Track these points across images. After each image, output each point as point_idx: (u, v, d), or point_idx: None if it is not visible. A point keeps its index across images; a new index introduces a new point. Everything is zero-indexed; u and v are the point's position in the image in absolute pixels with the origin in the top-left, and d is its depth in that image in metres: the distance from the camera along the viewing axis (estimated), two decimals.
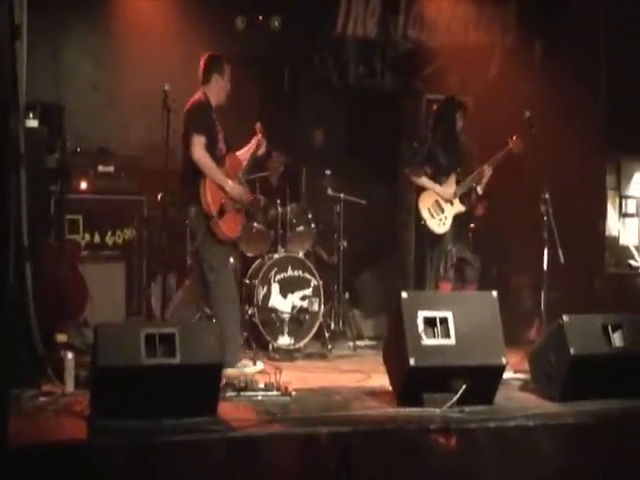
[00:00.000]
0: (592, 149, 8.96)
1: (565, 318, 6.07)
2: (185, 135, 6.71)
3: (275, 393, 5.88)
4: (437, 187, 7.78)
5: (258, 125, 7.24)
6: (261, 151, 7.22)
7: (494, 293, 6.07)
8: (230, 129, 9.03)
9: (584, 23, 9.56)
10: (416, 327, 5.77)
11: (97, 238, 8.11)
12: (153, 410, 5.14)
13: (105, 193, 8.11)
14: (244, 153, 7.13)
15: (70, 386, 5.76)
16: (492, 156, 7.71)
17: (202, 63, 6.95)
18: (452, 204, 7.74)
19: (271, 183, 8.60)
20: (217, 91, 6.91)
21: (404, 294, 5.87)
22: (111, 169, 8.21)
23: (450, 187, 7.76)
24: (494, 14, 10.28)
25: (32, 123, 6.35)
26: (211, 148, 6.70)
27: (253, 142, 7.16)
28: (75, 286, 7.16)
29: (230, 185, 6.67)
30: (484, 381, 5.79)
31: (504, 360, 5.86)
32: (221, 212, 6.61)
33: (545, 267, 7.09)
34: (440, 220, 7.70)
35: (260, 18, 9.60)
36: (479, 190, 7.74)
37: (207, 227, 6.62)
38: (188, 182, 6.73)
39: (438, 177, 7.83)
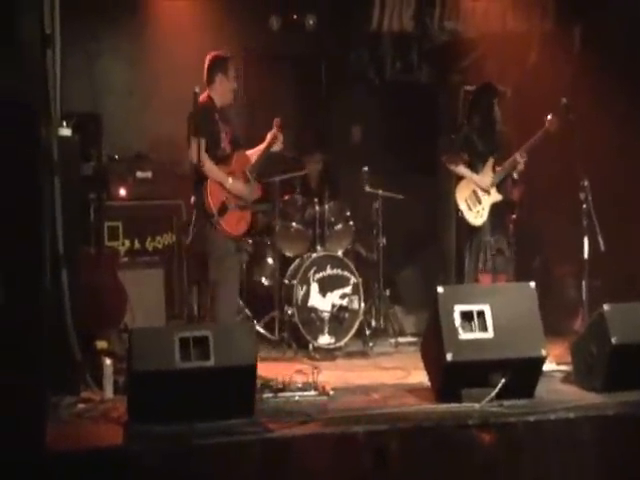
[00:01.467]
0: (632, 135, 8.79)
1: (606, 307, 5.96)
2: (188, 138, 6.76)
3: (313, 393, 5.84)
4: (474, 176, 7.68)
5: (277, 120, 7.20)
6: (277, 147, 7.19)
7: (532, 284, 5.97)
8: (268, 128, 9.12)
9: (624, 7, 9.39)
10: (453, 321, 5.70)
11: (137, 244, 8.18)
12: (190, 413, 5.13)
13: (144, 199, 8.16)
14: (257, 150, 7.14)
15: (109, 392, 5.79)
16: (528, 140, 7.61)
17: (206, 63, 6.95)
18: (489, 193, 7.64)
19: (309, 182, 8.58)
20: (222, 92, 6.92)
21: (440, 289, 5.81)
22: (149, 175, 8.28)
23: (487, 175, 7.66)
24: (532, 0, 10.14)
25: (65, 132, 6.35)
26: (213, 149, 6.75)
27: (269, 137, 7.15)
28: (114, 293, 7.19)
29: (230, 182, 6.74)
30: (524, 374, 5.70)
31: (544, 352, 5.76)
32: (222, 210, 6.68)
33: (586, 255, 6.98)
34: (477, 212, 7.61)
35: (295, 17, 9.60)
36: (515, 175, 7.65)
37: (209, 225, 6.69)
38: (195, 184, 6.78)
39: (475, 164, 7.74)
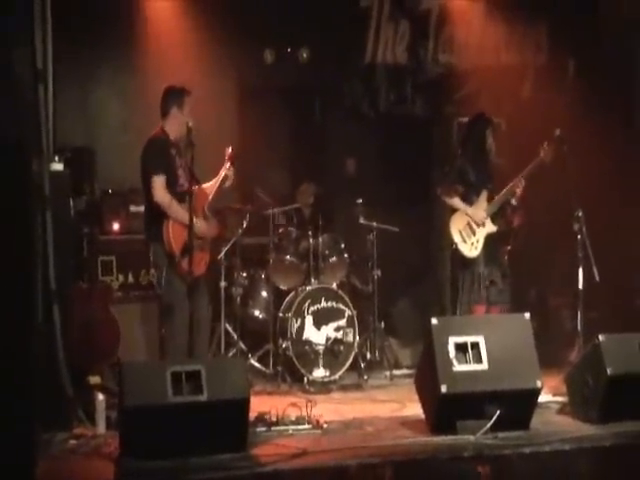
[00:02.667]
0: (626, 166, 8.82)
1: (601, 338, 5.96)
2: (143, 175, 6.64)
3: (306, 426, 5.81)
4: (468, 209, 7.68)
5: (228, 150, 7.01)
6: (229, 183, 6.99)
7: (527, 315, 5.97)
8: (262, 161, 9.13)
9: (616, 39, 9.45)
10: (447, 353, 5.70)
11: (131, 278, 8.11)
12: (183, 448, 5.12)
13: (137, 233, 8.12)
14: (212, 185, 6.92)
15: (101, 428, 5.76)
16: (523, 168, 7.62)
17: (162, 95, 6.85)
18: (484, 225, 7.63)
19: (303, 214, 8.57)
20: (177, 125, 6.71)
21: (434, 320, 5.81)
22: (142, 209, 8.26)
23: (481, 207, 7.65)
24: (525, 34, 10.21)
25: (57, 166, 6.35)
26: (171, 185, 6.60)
27: (221, 172, 6.94)
28: (107, 327, 7.14)
29: (196, 224, 6.44)
30: (519, 405, 5.69)
31: (539, 383, 5.74)
32: (184, 251, 6.39)
33: (580, 286, 6.97)
34: (472, 244, 7.59)
35: (289, 50, 9.64)
36: (513, 202, 7.64)
37: (169, 265, 6.52)
38: (151, 220, 6.67)
39: (469, 195, 7.73)
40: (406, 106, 10.21)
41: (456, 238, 7.63)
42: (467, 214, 7.67)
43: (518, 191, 7.58)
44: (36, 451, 5.04)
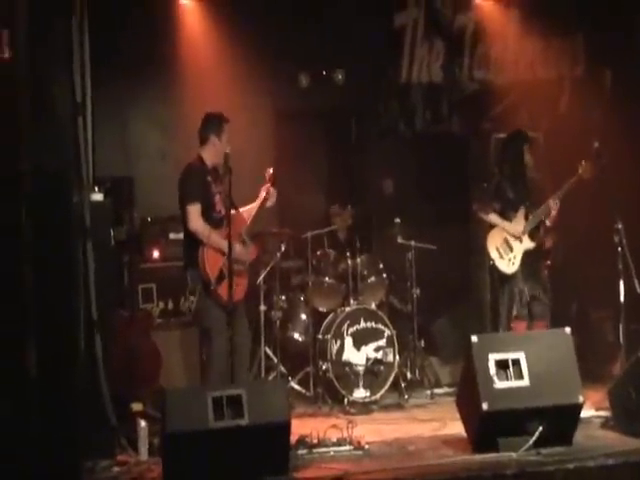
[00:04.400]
0: None
1: None
2: (180, 203, 6.68)
3: (348, 448, 5.80)
4: (506, 224, 7.67)
5: (269, 171, 7.00)
6: (271, 202, 6.98)
7: (567, 329, 5.91)
8: (299, 184, 9.16)
9: None
10: (488, 370, 5.66)
11: (171, 305, 8.17)
12: (224, 473, 5.14)
13: (177, 260, 8.18)
14: (251, 208, 6.93)
15: (144, 454, 5.79)
16: (561, 185, 7.59)
17: (201, 122, 6.88)
18: (521, 241, 7.60)
19: (338, 237, 8.59)
20: (214, 152, 6.75)
21: (474, 338, 5.78)
22: (181, 236, 8.32)
23: (519, 223, 7.64)
24: (561, 47, 10.18)
25: (97, 197, 6.42)
26: (207, 212, 6.63)
27: (262, 193, 6.95)
28: (148, 355, 7.21)
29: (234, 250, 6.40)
30: (561, 421, 5.63)
31: (581, 398, 5.67)
32: (220, 278, 6.43)
33: (622, 299, 6.92)
34: (509, 260, 7.57)
35: (324, 72, 9.70)
36: (547, 222, 7.61)
37: (206, 292, 6.55)
38: (188, 247, 6.70)
39: (507, 212, 7.72)
40: (443, 124, 10.23)
41: (493, 254, 7.62)
42: (504, 230, 7.65)
43: (553, 212, 7.54)
44: (79, 478, 5.09)
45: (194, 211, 6.58)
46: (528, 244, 7.60)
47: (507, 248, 7.61)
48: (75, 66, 5.95)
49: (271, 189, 6.95)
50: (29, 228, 4.87)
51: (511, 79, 10.08)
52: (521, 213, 7.68)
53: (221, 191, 6.70)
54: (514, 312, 7.52)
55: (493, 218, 7.71)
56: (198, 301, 6.67)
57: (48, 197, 5.18)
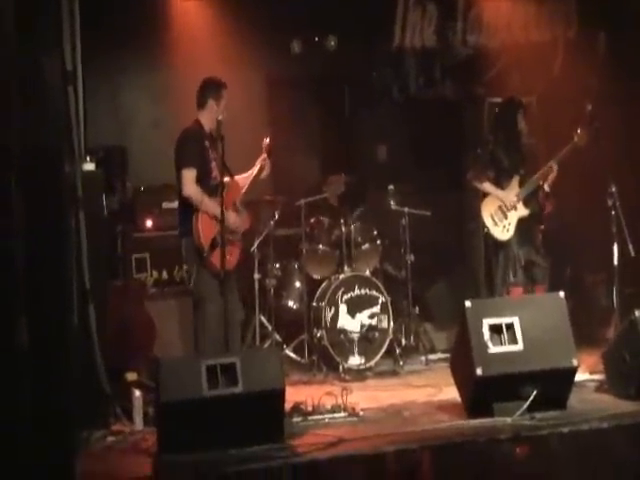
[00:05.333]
0: None
1: (638, 313, 5.93)
2: (176, 168, 6.64)
3: (342, 414, 5.81)
4: (499, 192, 7.65)
5: (266, 141, 6.98)
6: (265, 173, 6.97)
7: (561, 294, 5.90)
8: (292, 151, 9.12)
9: None
10: (482, 335, 5.65)
11: (165, 275, 8.15)
12: (219, 441, 5.12)
13: (170, 229, 8.16)
14: (246, 177, 6.92)
15: (139, 424, 5.79)
16: (556, 152, 7.56)
17: (199, 86, 6.84)
18: (516, 208, 7.59)
19: (333, 203, 8.58)
20: (212, 118, 6.68)
21: (467, 303, 5.76)
22: (175, 205, 8.29)
23: (513, 191, 7.62)
24: (555, 9, 10.11)
25: (89, 166, 6.40)
26: (203, 178, 6.58)
27: (258, 163, 6.93)
28: (142, 324, 7.20)
29: (227, 217, 6.40)
30: (556, 385, 5.63)
31: (575, 362, 5.67)
32: (213, 246, 6.41)
33: (616, 262, 6.92)
34: (504, 227, 7.57)
35: (316, 39, 9.63)
36: (546, 188, 7.58)
37: (199, 260, 6.52)
38: (182, 215, 6.69)
39: (501, 180, 7.70)
40: (436, 89, 10.18)
41: (487, 222, 7.61)
42: (498, 198, 7.63)
43: (550, 177, 7.53)
44: (74, 448, 5.09)
45: (189, 176, 6.54)
46: (523, 211, 7.59)
47: (501, 215, 7.61)
48: (65, 34, 5.90)
49: (266, 162, 6.92)
50: (20, 199, 4.83)
51: (504, 43, 10.03)
52: (515, 181, 7.67)
53: (217, 157, 6.62)
54: (510, 278, 7.52)
55: (487, 187, 7.70)
56: (191, 270, 6.65)
57: (39, 167, 5.12)
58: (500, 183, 7.71)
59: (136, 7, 8.64)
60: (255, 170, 6.94)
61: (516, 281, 7.53)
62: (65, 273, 5.42)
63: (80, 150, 6.14)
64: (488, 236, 7.65)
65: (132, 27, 8.69)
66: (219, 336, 6.30)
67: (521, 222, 7.58)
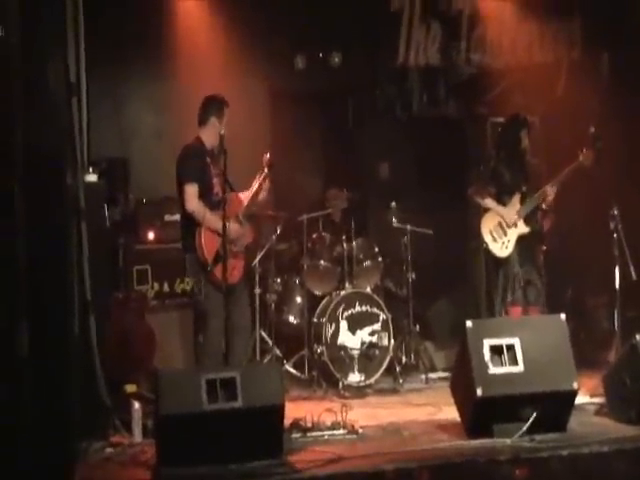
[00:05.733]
0: None
1: (639, 337, 5.89)
2: (178, 184, 6.66)
3: (342, 432, 5.79)
4: (500, 209, 7.66)
5: (266, 156, 6.95)
6: (264, 194, 6.95)
7: (562, 316, 5.88)
8: (295, 166, 9.12)
9: None
10: (482, 356, 5.64)
11: (166, 287, 8.13)
12: (218, 456, 5.10)
13: (172, 242, 8.15)
14: (249, 192, 6.91)
15: (138, 436, 5.78)
16: (560, 171, 7.57)
17: (201, 103, 6.86)
18: (516, 226, 7.60)
19: (334, 220, 8.58)
20: (214, 135, 6.69)
21: (469, 323, 5.74)
22: (177, 217, 8.29)
23: (514, 208, 7.63)
24: (559, 30, 10.14)
25: (91, 178, 6.40)
26: (205, 194, 6.62)
27: (259, 179, 6.91)
28: (142, 336, 7.21)
29: (230, 231, 6.37)
30: (556, 408, 5.61)
31: (575, 385, 5.65)
32: (217, 260, 6.44)
33: (617, 285, 6.92)
34: (503, 243, 7.58)
35: (320, 55, 9.66)
36: (543, 206, 7.60)
37: (203, 274, 6.55)
38: (185, 230, 6.71)
39: (502, 196, 7.72)
40: (439, 108, 10.19)
41: (486, 238, 7.63)
42: (499, 214, 7.64)
43: (549, 198, 7.54)
44: (73, 460, 5.09)
45: (191, 191, 6.57)
46: (523, 229, 7.60)
47: (501, 232, 7.62)
48: (69, 46, 5.92)
49: (265, 183, 6.89)
50: (23, 210, 4.83)
51: (508, 63, 10.05)
52: (517, 198, 7.67)
53: (219, 173, 6.64)
54: (509, 297, 7.51)
55: (488, 202, 7.71)
56: (195, 283, 6.64)
57: (42, 178, 5.14)
58: (501, 199, 7.72)
59: (140, 19, 8.67)
60: (255, 186, 6.93)
61: (514, 300, 7.52)
62: (67, 284, 5.43)
63: (83, 161, 6.15)
64: (489, 254, 7.65)
65: (136, 39, 8.72)
66: (221, 350, 6.28)
67: (521, 240, 7.59)
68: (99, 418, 5.82)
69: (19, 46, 4.91)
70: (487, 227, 7.66)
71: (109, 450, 5.58)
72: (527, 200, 7.62)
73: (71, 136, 5.92)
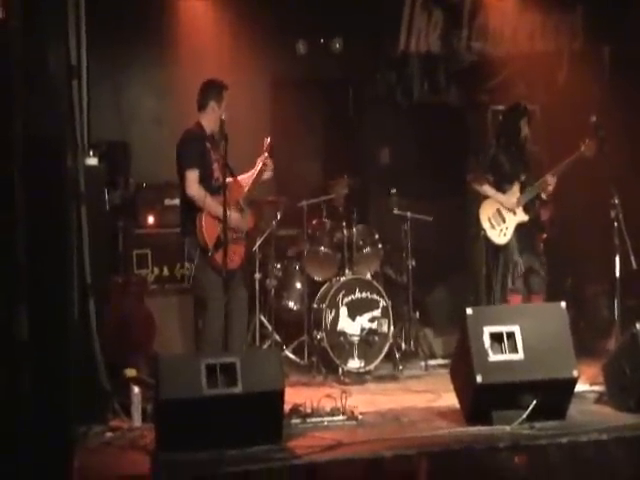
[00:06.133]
0: None
1: (639, 326, 5.88)
2: (178, 168, 6.65)
3: (341, 418, 5.78)
4: (499, 195, 7.66)
5: (266, 140, 6.95)
6: (267, 175, 6.94)
7: (563, 304, 5.88)
8: (296, 152, 9.10)
9: None
10: (482, 343, 5.63)
11: (166, 271, 8.14)
12: (217, 441, 5.09)
13: (172, 226, 8.13)
14: (248, 177, 6.89)
15: (137, 420, 5.78)
16: (561, 161, 7.56)
17: (200, 88, 6.84)
18: (515, 213, 7.60)
19: (335, 206, 8.57)
20: (213, 119, 6.71)
21: (469, 310, 5.74)
22: (177, 202, 8.27)
23: (513, 196, 7.64)
24: (560, 20, 10.14)
25: (91, 161, 6.37)
26: (206, 179, 6.61)
27: (259, 163, 6.90)
28: (142, 321, 7.21)
29: (230, 217, 6.37)
30: (555, 395, 5.61)
31: (575, 373, 5.65)
32: (217, 245, 6.43)
33: (617, 274, 6.91)
34: (501, 230, 7.59)
35: (321, 41, 9.63)
36: (543, 196, 7.59)
37: (202, 258, 6.54)
38: (185, 214, 6.70)
39: (502, 185, 7.72)
40: (440, 95, 10.19)
41: (485, 224, 7.65)
42: (498, 201, 7.65)
43: (550, 188, 7.53)
44: (72, 444, 5.08)
45: (192, 177, 6.55)
46: (522, 217, 7.60)
47: (499, 219, 7.62)
48: (70, 28, 5.88)
49: (268, 161, 6.89)
50: (22, 191, 4.81)
51: (509, 51, 10.05)
52: (516, 186, 7.68)
53: (219, 159, 6.62)
54: (509, 285, 7.51)
55: (487, 189, 7.71)
56: (195, 268, 6.64)
57: (42, 161, 5.11)
58: (500, 187, 7.72)
59: (141, 3, 8.63)
60: (257, 170, 6.91)
61: (515, 288, 7.53)
62: (66, 267, 5.41)
63: (83, 144, 6.12)
64: (488, 241, 7.65)
65: (137, 23, 8.72)
66: (221, 335, 6.28)
67: (520, 228, 7.59)
68: (98, 402, 5.82)
69: (20, 28, 4.88)
70: (485, 214, 7.67)
71: (108, 434, 5.58)
72: (527, 189, 7.62)
73: (71, 119, 5.89)
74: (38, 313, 4.92)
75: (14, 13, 4.90)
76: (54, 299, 5.14)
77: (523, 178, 7.66)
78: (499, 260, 7.61)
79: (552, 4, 9.94)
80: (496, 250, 7.64)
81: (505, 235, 7.57)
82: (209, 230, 6.51)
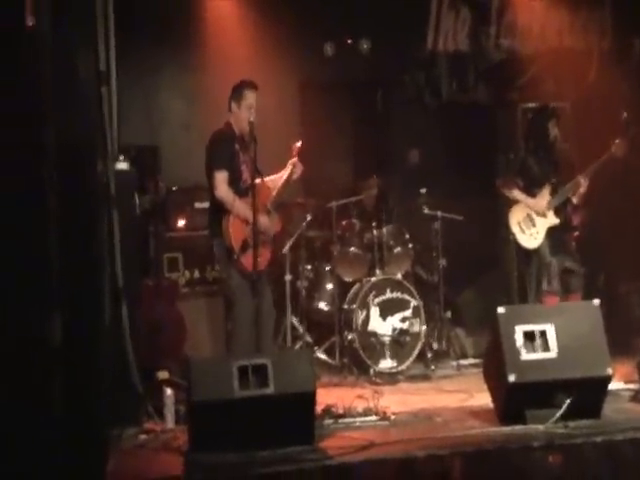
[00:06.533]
0: None
1: None
2: (207, 169, 6.65)
3: (374, 418, 5.79)
4: (529, 200, 7.62)
5: (296, 145, 6.91)
6: (296, 175, 6.91)
7: (596, 302, 5.84)
8: (325, 154, 9.10)
9: None
10: (514, 342, 5.61)
11: (197, 274, 8.17)
12: (250, 442, 5.11)
13: (202, 229, 8.14)
14: (277, 179, 6.88)
15: (170, 422, 5.81)
16: (591, 163, 7.50)
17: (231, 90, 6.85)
18: (545, 216, 7.55)
19: (365, 206, 8.56)
20: (235, 121, 6.72)
21: (500, 309, 5.72)
22: (207, 205, 8.29)
23: (543, 199, 7.58)
24: (589, 18, 10.04)
25: (122, 165, 6.40)
26: (234, 181, 6.59)
27: (288, 166, 6.87)
28: (173, 324, 7.24)
29: (258, 220, 6.40)
30: (589, 394, 5.57)
31: (609, 371, 5.61)
32: (244, 247, 6.42)
33: None
34: (531, 235, 7.54)
35: (349, 42, 9.62)
36: (574, 200, 7.54)
37: (230, 261, 6.52)
38: (212, 216, 6.70)
39: (531, 188, 7.66)
40: (469, 94, 10.12)
41: (514, 229, 7.62)
42: (528, 205, 7.60)
43: (582, 190, 7.48)
44: (107, 446, 5.12)
45: (221, 178, 6.54)
46: (553, 220, 7.56)
47: (529, 223, 7.58)
48: (99, 34, 5.93)
49: (297, 163, 6.88)
50: (54, 197, 4.84)
51: (538, 48, 9.95)
52: (546, 189, 7.63)
53: (247, 160, 6.62)
54: (545, 286, 7.45)
55: (516, 194, 7.67)
56: (222, 270, 6.66)
57: (73, 166, 5.14)
58: (531, 191, 7.67)
59: (170, 8, 8.66)
60: (286, 173, 6.90)
61: (551, 289, 7.47)
62: (98, 271, 5.44)
63: (113, 149, 6.15)
64: (516, 244, 7.62)
65: (166, 28, 8.71)
66: (250, 337, 6.29)
67: (552, 231, 7.55)
68: (132, 405, 5.85)
69: (49, 35, 4.92)
70: (515, 219, 7.63)
71: (142, 437, 5.62)
72: (558, 191, 7.57)
73: (101, 124, 5.92)
74: (71, 316, 4.95)
75: (44, 20, 4.94)
76: (86, 303, 5.17)
77: (553, 181, 7.60)
78: (532, 263, 7.57)
79: (580, 2, 9.86)
80: (527, 252, 7.60)
81: (536, 239, 7.53)
82: (236, 233, 6.50)
